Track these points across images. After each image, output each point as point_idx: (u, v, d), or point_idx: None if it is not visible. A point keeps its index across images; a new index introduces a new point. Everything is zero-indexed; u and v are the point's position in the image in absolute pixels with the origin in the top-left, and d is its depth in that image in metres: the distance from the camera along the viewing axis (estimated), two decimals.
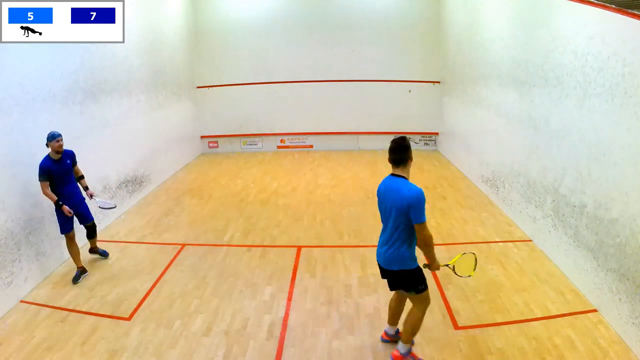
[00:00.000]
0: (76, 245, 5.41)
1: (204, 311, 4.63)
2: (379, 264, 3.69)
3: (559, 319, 4.31)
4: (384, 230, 3.60)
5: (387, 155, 3.51)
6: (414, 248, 3.52)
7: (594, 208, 4.52)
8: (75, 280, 5.25)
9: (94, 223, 5.73)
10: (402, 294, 3.81)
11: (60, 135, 5.06)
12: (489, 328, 4.21)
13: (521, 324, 4.26)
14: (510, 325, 4.24)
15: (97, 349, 4.04)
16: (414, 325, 3.67)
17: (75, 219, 5.39)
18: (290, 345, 4.08)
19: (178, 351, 4.03)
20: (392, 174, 3.52)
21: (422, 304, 3.63)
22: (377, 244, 3.70)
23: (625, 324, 3.94)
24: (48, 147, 5.04)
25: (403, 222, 3.40)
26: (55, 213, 5.25)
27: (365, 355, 3.94)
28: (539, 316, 4.36)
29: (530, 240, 6.03)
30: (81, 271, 5.37)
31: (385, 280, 3.75)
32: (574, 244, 4.92)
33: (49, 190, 5.06)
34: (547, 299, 4.65)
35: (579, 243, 4.81)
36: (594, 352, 3.82)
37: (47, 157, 5.07)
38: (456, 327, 4.26)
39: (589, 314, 4.35)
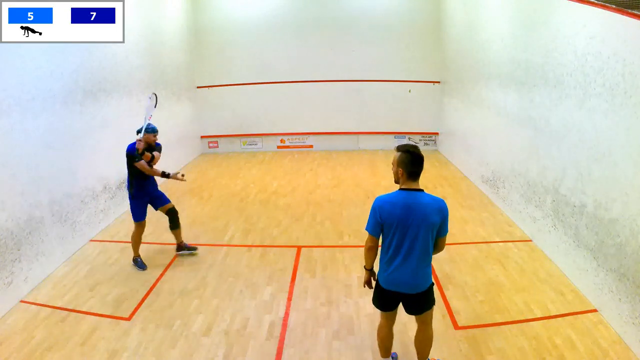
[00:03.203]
0: (141, 236, 5.62)
1: (204, 311, 4.63)
2: (397, 293, 3.27)
3: (559, 319, 4.31)
4: (406, 252, 3.15)
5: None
6: None
7: (594, 208, 4.52)
8: (142, 266, 5.53)
9: (174, 206, 5.76)
10: (423, 316, 3.41)
11: (157, 131, 5.40)
12: (489, 328, 4.21)
13: (521, 324, 4.26)
14: (510, 325, 4.24)
15: (97, 349, 4.04)
16: (431, 345, 3.53)
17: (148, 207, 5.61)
18: (290, 345, 4.08)
19: (178, 351, 4.03)
20: (411, 189, 3.14)
21: (432, 317, 3.47)
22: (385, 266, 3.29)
23: (625, 324, 3.94)
24: (138, 135, 5.27)
25: (432, 237, 3.15)
26: (130, 200, 5.47)
27: (365, 355, 3.94)
28: (539, 316, 4.36)
29: (530, 240, 6.03)
30: (139, 260, 5.59)
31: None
32: (574, 244, 4.92)
33: (148, 166, 5.31)
34: (547, 299, 4.65)
35: (579, 243, 4.81)
36: (594, 352, 3.82)
37: (134, 144, 5.29)
38: (456, 327, 4.26)
39: (589, 314, 4.35)
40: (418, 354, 3.58)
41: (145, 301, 4.83)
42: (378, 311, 3.52)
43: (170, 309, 4.68)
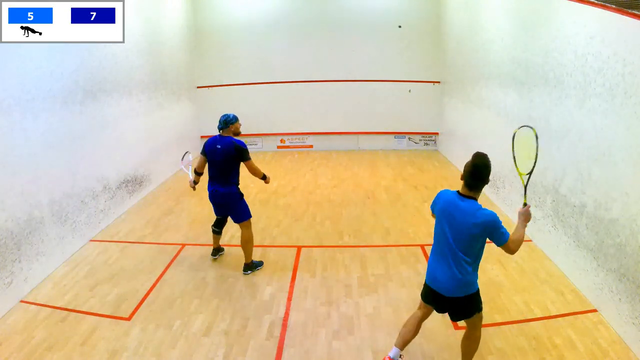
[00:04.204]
0: None
1: (204, 311, 4.63)
2: (431, 289, 3.38)
3: (559, 319, 4.31)
4: (443, 250, 3.27)
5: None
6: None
7: (594, 208, 4.52)
8: (260, 264, 5.54)
9: None
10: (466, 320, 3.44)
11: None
12: (489, 328, 4.20)
13: (521, 324, 4.26)
14: (510, 325, 4.25)
15: (97, 349, 4.04)
16: (476, 348, 3.52)
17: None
18: (290, 345, 4.08)
19: (178, 351, 4.03)
20: (462, 194, 3.25)
21: (481, 322, 3.47)
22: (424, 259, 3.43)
23: (625, 324, 3.94)
24: (227, 129, 5.53)
25: (472, 247, 3.23)
26: (241, 201, 5.60)
27: (365, 355, 3.94)
28: (539, 316, 4.37)
29: (530, 240, 6.02)
30: (255, 262, 5.53)
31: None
32: (574, 244, 4.92)
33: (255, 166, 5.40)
34: (547, 299, 4.65)
35: (579, 243, 4.81)
36: (594, 352, 3.82)
37: (231, 138, 5.43)
38: (456, 327, 4.25)
39: (589, 314, 4.35)
40: (462, 355, 3.56)
41: (145, 301, 4.83)
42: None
43: (170, 309, 4.68)
